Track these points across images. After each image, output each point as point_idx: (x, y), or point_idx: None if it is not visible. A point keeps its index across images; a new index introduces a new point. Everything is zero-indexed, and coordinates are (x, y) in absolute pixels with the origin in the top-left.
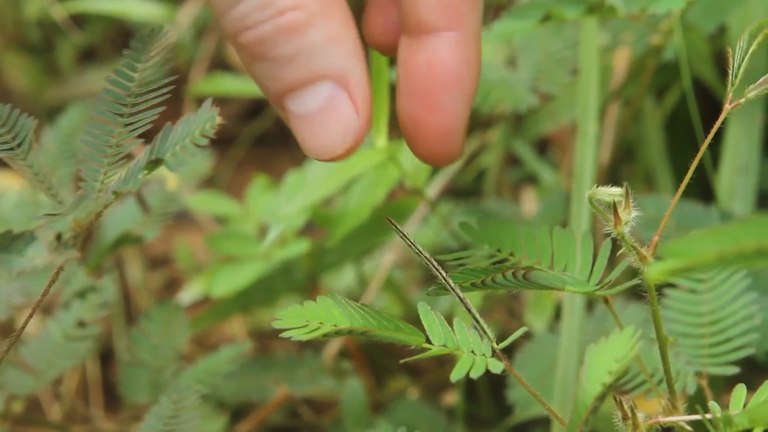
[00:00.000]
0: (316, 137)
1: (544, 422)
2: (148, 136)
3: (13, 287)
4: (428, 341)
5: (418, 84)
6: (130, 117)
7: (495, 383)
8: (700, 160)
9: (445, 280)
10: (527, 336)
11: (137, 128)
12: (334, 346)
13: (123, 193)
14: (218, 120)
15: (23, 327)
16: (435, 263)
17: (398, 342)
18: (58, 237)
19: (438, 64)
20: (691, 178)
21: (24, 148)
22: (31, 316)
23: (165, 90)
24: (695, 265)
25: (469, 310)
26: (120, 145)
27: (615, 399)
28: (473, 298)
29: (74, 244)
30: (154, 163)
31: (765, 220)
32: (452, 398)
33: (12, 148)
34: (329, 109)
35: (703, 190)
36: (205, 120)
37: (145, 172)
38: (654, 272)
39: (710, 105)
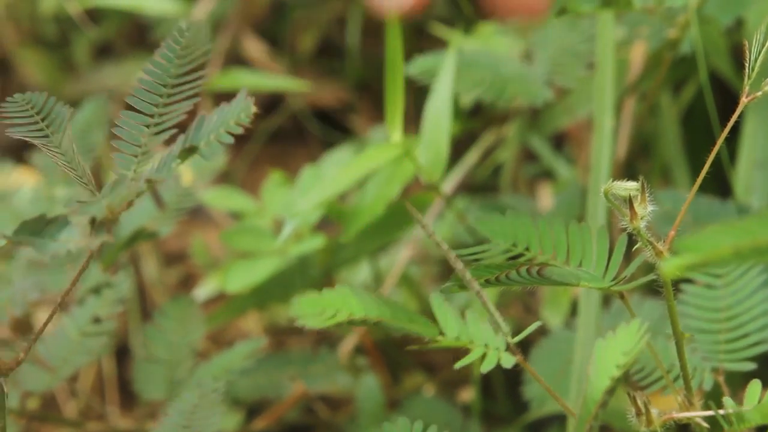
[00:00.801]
0: None
1: (561, 419)
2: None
3: (28, 283)
4: (441, 333)
5: None
6: (165, 107)
7: (511, 380)
8: (717, 154)
9: (465, 278)
10: (543, 332)
11: (171, 119)
12: (349, 343)
13: (157, 181)
14: (253, 110)
15: (47, 322)
16: (453, 254)
17: (412, 333)
18: (92, 221)
19: None
20: (709, 173)
21: (58, 135)
22: (55, 311)
23: (200, 83)
24: (710, 260)
25: (484, 304)
26: (154, 135)
27: (629, 394)
28: (489, 294)
29: (108, 230)
30: (189, 151)
31: None
32: (468, 395)
33: (47, 135)
34: None
35: (720, 185)
36: (239, 110)
37: (179, 160)
38: (669, 267)
39: (727, 99)
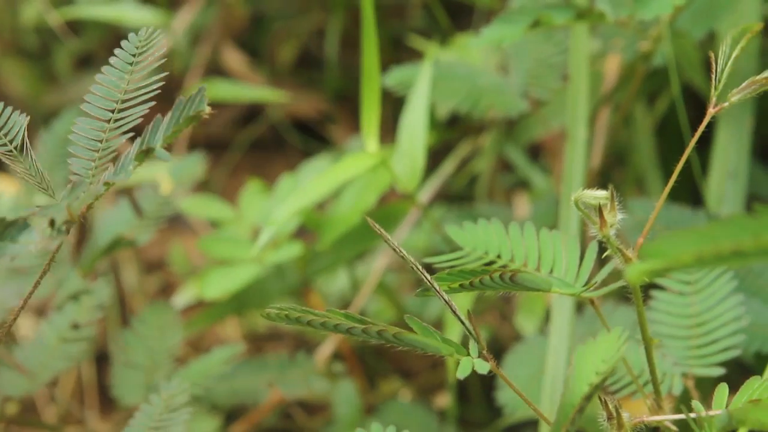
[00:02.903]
0: None
1: (535, 424)
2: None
3: (7, 290)
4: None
5: None
6: (120, 113)
7: (487, 386)
8: (690, 164)
9: (429, 282)
10: (518, 338)
11: (126, 124)
12: (326, 349)
13: (114, 184)
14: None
15: (13, 321)
16: (419, 266)
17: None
18: (51, 223)
19: None
20: (683, 184)
21: (17, 144)
22: (21, 308)
23: (155, 87)
24: (674, 265)
25: (454, 312)
26: (110, 139)
27: (600, 399)
28: (465, 302)
29: (67, 231)
30: (145, 153)
31: (742, 220)
32: (444, 400)
33: (5, 145)
34: None
35: (694, 196)
36: (196, 103)
37: (136, 162)
38: (633, 273)
39: (701, 111)
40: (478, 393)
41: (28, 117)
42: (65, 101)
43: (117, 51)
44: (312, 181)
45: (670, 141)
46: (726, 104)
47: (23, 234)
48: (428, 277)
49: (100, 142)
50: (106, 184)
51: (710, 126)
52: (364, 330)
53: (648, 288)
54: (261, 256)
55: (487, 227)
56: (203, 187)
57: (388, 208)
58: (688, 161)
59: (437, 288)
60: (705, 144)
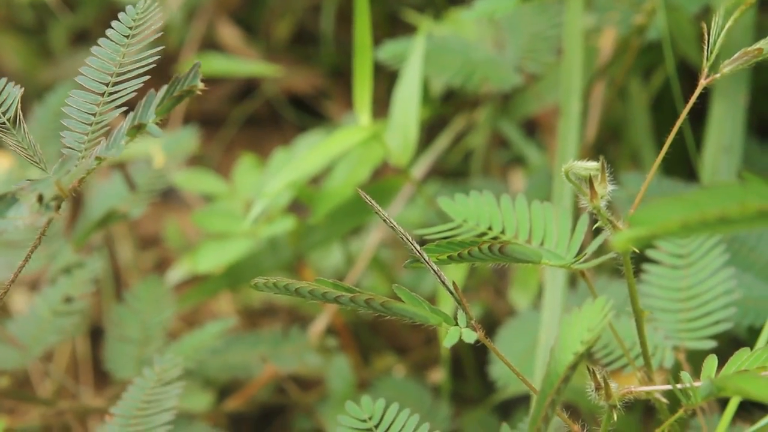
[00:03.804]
0: None
1: (529, 399)
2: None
3: None
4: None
5: None
6: (114, 86)
7: (481, 362)
8: (682, 138)
9: (418, 252)
10: (512, 313)
11: (121, 98)
12: (320, 324)
13: (106, 159)
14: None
15: (3, 294)
16: (409, 237)
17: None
18: (40, 198)
19: None
20: (678, 159)
21: (9, 116)
22: (12, 282)
23: (150, 61)
24: (660, 232)
25: (442, 282)
26: (104, 113)
27: (588, 369)
28: (457, 276)
29: (56, 206)
30: (137, 128)
31: (729, 188)
32: (438, 376)
33: None
34: None
35: (689, 170)
36: (189, 78)
37: (128, 138)
38: (619, 240)
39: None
40: (473, 369)
41: (22, 89)
42: (60, 77)
43: (113, 23)
44: (305, 155)
45: (664, 116)
46: (718, 75)
47: (12, 209)
48: (417, 247)
49: (94, 115)
50: (98, 158)
51: (705, 101)
52: (351, 298)
53: (640, 262)
54: (254, 229)
55: (479, 199)
56: (198, 162)
57: (382, 182)
58: (681, 136)
59: (426, 258)
60: (700, 120)
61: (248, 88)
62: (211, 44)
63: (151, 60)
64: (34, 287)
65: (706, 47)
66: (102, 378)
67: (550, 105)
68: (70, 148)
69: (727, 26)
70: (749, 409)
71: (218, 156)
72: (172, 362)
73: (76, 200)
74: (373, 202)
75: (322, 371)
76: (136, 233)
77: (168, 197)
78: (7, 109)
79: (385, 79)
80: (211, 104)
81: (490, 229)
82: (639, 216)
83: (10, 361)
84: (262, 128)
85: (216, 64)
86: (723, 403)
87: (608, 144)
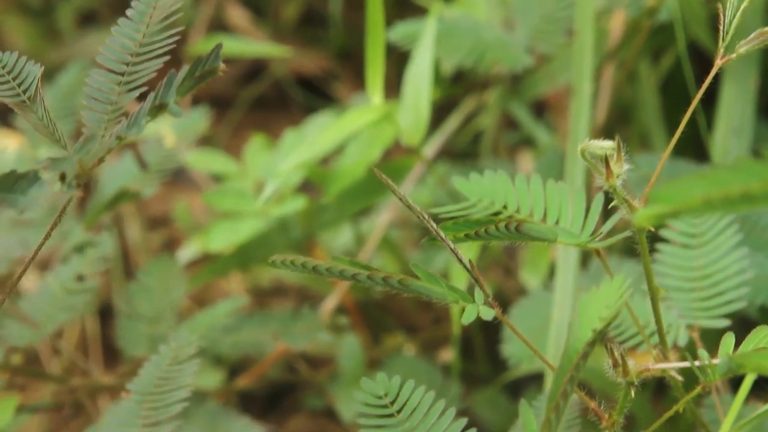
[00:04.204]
0: None
1: (538, 379)
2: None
3: (12, 240)
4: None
5: None
6: (134, 66)
7: (490, 342)
8: (695, 120)
9: (435, 230)
10: (522, 293)
11: (141, 78)
12: (331, 303)
13: (126, 138)
14: (222, 65)
15: (23, 272)
16: (425, 215)
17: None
18: (62, 177)
19: None
20: (687, 141)
21: (30, 95)
22: (31, 260)
23: (170, 41)
24: (682, 209)
25: (459, 260)
26: (123, 93)
27: (606, 346)
28: (469, 255)
29: (78, 185)
30: (158, 108)
31: (751, 165)
32: (448, 355)
33: (18, 95)
34: None
35: (698, 152)
36: (211, 59)
37: (149, 117)
38: (641, 217)
39: (706, 68)
40: (482, 349)
41: (42, 67)
42: (68, 58)
43: (133, 2)
44: (317, 134)
45: (674, 98)
46: (733, 55)
47: (34, 187)
48: (434, 225)
49: (114, 95)
50: (119, 137)
51: (715, 84)
52: (369, 276)
53: (653, 241)
54: (265, 209)
55: (494, 178)
56: (207, 143)
57: (393, 162)
58: (693, 118)
59: (443, 236)
60: (710, 102)
61: (256, 69)
62: (219, 25)
63: (170, 40)
64: (45, 267)
65: (721, 27)
66: (111, 356)
67: (560, 86)
68: (90, 127)
69: (743, 6)
70: (763, 387)
71: (227, 137)
72: (187, 340)
73: (88, 180)
74: (388, 180)
75: (332, 350)
76: (145, 214)
77: (177, 178)
78: (28, 87)
79: (394, 61)
80: (220, 86)
81: (504, 207)
82: (660, 193)
83: (23, 338)
84: (270, 110)
85: (225, 45)
86: (734, 384)
87: (618, 126)
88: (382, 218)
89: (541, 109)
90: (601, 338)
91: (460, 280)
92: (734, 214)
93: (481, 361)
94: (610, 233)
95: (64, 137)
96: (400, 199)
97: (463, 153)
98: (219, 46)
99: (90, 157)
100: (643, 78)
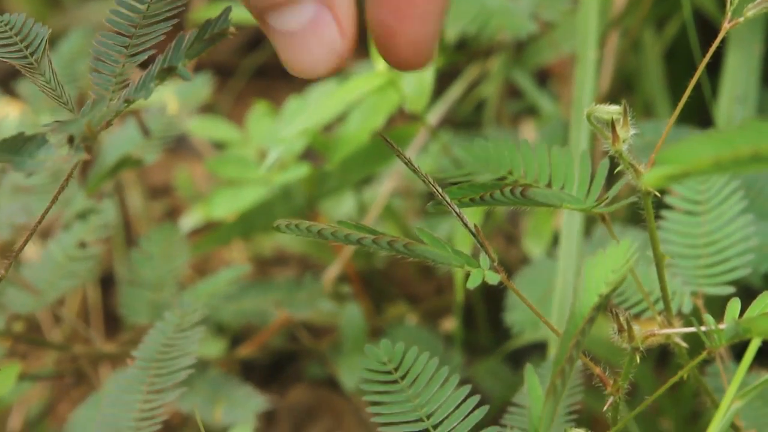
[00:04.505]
0: (297, 56)
1: (541, 349)
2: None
3: (14, 206)
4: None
5: None
6: (144, 28)
7: (493, 312)
8: (700, 89)
9: (440, 194)
10: (525, 261)
11: (149, 40)
12: (333, 271)
13: (135, 101)
14: (231, 29)
15: (25, 242)
16: (431, 179)
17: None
18: (71, 140)
19: None
20: (691, 109)
21: (37, 56)
22: (30, 236)
23: (179, 3)
24: (691, 170)
25: (465, 224)
26: (133, 55)
27: (611, 311)
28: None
29: (85, 148)
30: (167, 71)
31: (761, 125)
32: (450, 325)
33: (26, 57)
34: (312, 29)
35: (702, 120)
36: (220, 21)
37: (158, 81)
38: (650, 178)
39: (710, 37)
40: (484, 319)
41: (50, 29)
42: (69, 25)
43: None
44: (320, 101)
45: (679, 66)
46: (741, 19)
47: (42, 150)
48: (439, 189)
49: (122, 57)
50: (127, 101)
51: (719, 53)
52: (374, 240)
53: (657, 208)
54: (268, 176)
55: (498, 144)
56: (209, 111)
57: (396, 130)
58: (697, 86)
59: (448, 200)
60: (714, 71)
61: (258, 38)
62: None
63: (179, 2)
64: (46, 235)
65: None
66: (113, 325)
67: (564, 54)
68: (97, 90)
69: None
70: (767, 354)
71: (229, 106)
72: (192, 307)
73: (88, 147)
74: (394, 145)
75: (334, 319)
76: (146, 183)
77: (178, 147)
78: (35, 49)
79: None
80: (221, 54)
81: (510, 173)
82: (669, 154)
83: (25, 305)
84: (272, 78)
85: None
86: (737, 352)
87: (622, 95)
88: (384, 187)
89: (544, 77)
90: (606, 305)
91: (465, 246)
92: (742, 176)
93: (483, 331)
94: (615, 200)
95: (71, 101)
96: (406, 163)
97: (466, 122)
98: (228, 9)
99: (98, 120)
100: (648, 46)
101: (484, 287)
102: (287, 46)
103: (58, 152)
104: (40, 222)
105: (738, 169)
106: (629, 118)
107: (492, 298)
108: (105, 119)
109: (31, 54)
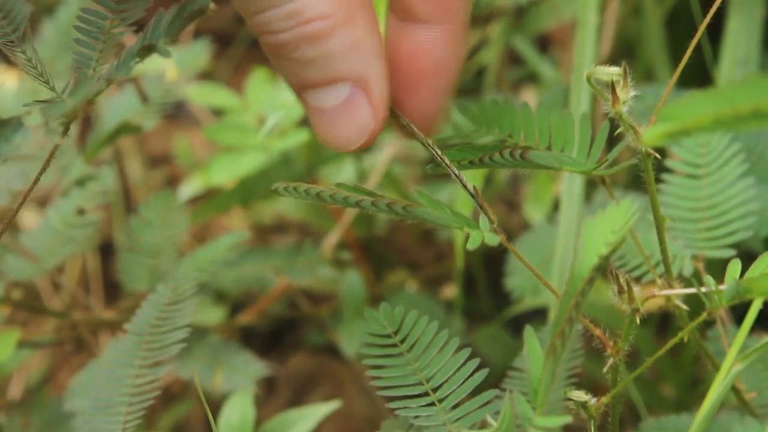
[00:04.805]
0: (331, 131)
1: (541, 315)
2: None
3: (12, 172)
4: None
5: (401, 68)
6: (123, 4)
7: (493, 279)
8: (701, 53)
9: (438, 156)
10: (526, 227)
11: (130, 15)
12: (333, 238)
13: (115, 81)
14: (212, 6)
15: (18, 209)
16: (429, 141)
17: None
18: (47, 122)
19: (423, 54)
20: (692, 72)
21: (18, 35)
22: (25, 198)
23: None
24: (691, 127)
25: (464, 186)
26: (112, 32)
27: (611, 272)
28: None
29: (65, 129)
30: (147, 49)
31: (761, 81)
32: (451, 291)
33: (7, 34)
34: (346, 108)
35: (703, 84)
36: (200, 0)
37: (137, 59)
38: (650, 135)
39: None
40: (484, 286)
41: (33, 7)
42: None
43: None
44: None
45: (679, 31)
46: None
47: (17, 134)
48: (438, 151)
49: (103, 32)
50: (107, 80)
51: (720, 17)
52: (373, 202)
53: (658, 172)
54: (267, 143)
55: (498, 107)
56: (207, 79)
57: None
58: (698, 49)
59: (447, 162)
60: (715, 36)
61: None
62: None
63: None
64: (44, 203)
65: None
66: (112, 292)
67: (565, 20)
68: (79, 66)
69: None
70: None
71: (228, 74)
72: (186, 278)
73: (87, 115)
74: (393, 108)
75: (334, 286)
76: (145, 151)
77: (177, 115)
78: (17, 27)
79: None
80: (220, 23)
81: (510, 136)
82: (669, 111)
83: (23, 273)
84: None
85: None
86: (738, 316)
87: (622, 60)
88: (384, 153)
89: (545, 44)
90: (606, 266)
91: (465, 209)
92: (743, 140)
93: (484, 298)
94: (615, 163)
95: (51, 79)
96: (405, 126)
97: (466, 89)
98: None
99: (77, 101)
100: (648, 11)
101: (485, 255)
102: (322, 123)
103: (37, 134)
104: (31, 189)
105: (738, 125)
106: (629, 81)
107: (492, 265)
108: (85, 99)
109: (13, 32)
